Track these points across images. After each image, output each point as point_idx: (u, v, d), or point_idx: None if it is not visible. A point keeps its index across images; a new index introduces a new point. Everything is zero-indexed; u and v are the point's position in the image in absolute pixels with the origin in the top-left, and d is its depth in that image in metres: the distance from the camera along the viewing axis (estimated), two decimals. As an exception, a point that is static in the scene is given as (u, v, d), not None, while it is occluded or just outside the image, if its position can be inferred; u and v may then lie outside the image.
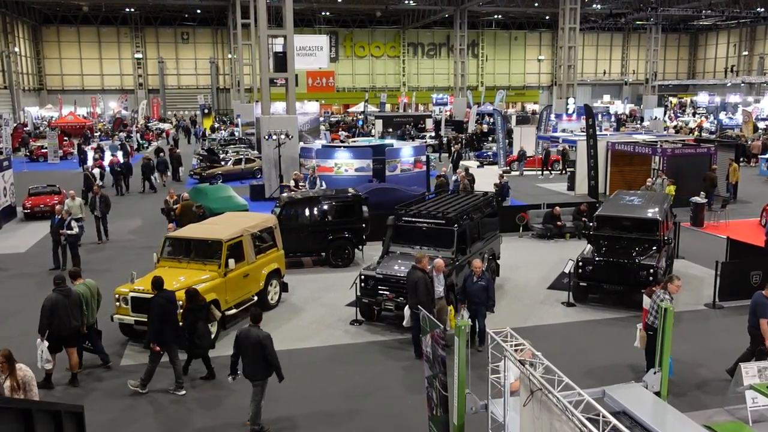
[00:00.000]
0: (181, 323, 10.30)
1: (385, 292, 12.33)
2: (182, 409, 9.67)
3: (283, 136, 25.19)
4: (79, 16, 71.61)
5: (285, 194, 18.65)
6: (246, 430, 8.90)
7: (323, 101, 73.57)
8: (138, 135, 48.52)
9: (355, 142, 33.79)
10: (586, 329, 12.59)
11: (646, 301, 10.03)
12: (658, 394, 7.35)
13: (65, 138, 45.09)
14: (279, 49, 26.48)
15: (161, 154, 32.86)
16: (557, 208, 19.79)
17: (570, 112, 47.55)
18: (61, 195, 23.13)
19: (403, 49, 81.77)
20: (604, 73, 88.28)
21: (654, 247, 13.63)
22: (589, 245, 14.36)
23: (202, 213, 17.15)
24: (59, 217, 16.56)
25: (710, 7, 60.80)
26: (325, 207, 16.89)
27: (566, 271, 13.79)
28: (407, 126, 48.32)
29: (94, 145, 40.31)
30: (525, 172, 32.79)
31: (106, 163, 31.13)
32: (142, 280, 11.71)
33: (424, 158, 27.46)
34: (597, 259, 13.60)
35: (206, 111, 60.74)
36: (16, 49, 64.20)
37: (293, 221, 16.55)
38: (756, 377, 8.77)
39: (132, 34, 75.18)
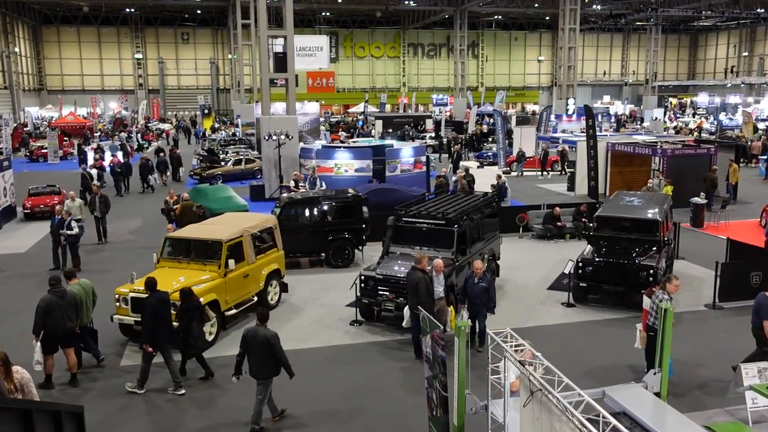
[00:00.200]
0: (176, 323, 10.31)
1: (385, 293, 12.33)
2: (178, 408, 9.67)
3: (283, 137, 25.20)
4: (80, 16, 71.63)
5: (285, 194, 18.65)
6: (274, 426, 8.98)
7: (323, 102, 73.62)
8: (138, 135, 48.53)
9: (355, 142, 33.81)
10: (586, 330, 12.59)
11: (646, 302, 10.03)
12: (658, 394, 7.36)
13: (65, 138, 45.10)
14: (279, 49, 26.48)
15: (161, 154, 32.90)
16: (557, 208, 19.80)
17: (570, 112, 47.57)
18: (61, 195, 23.14)
19: (403, 50, 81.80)
20: (604, 73, 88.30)
21: (654, 248, 13.63)
22: (589, 246, 14.36)
23: (202, 213, 17.16)
24: (59, 217, 16.56)
25: (710, 8, 60.85)
26: (325, 207, 16.88)
27: (566, 271, 13.80)
28: (406, 127, 48.32)
29: (94, 145, 40.32)
30: (524, 173, 32.76)
31: (106, 163, 31.14)
32: (142, 281, 11.69)
33: (423, 159, 27.47)
34: (597, 259, 13.60)
35: (206, 111, 60.77)
36: (16, 50, 64.23)
37: (293, 222, 16.55)
38: (756, 378, 8.77)
39: (132, 35, 75.20)
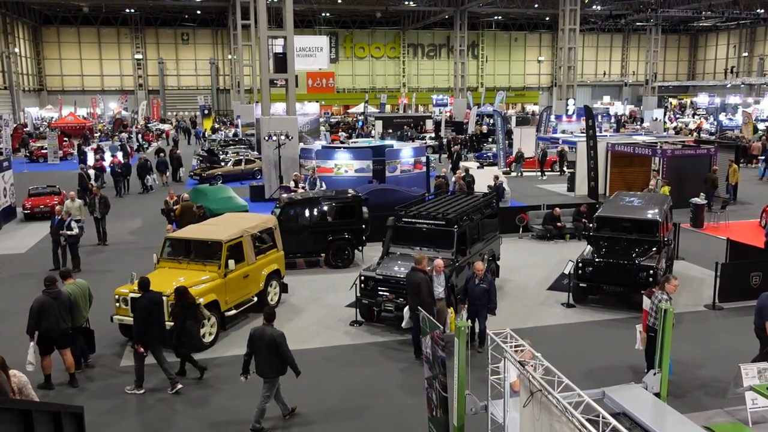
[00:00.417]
0: (172, 322, 10.31)
1: (385, 293, 12.33)
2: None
3: (283, 137, 25.20)
4: (79, 16, 71.68)
5: (285, 195, 18.64)
6: (275, 426, 9.01)
7: (323, 102, 73.63)
8: (138, 136, 48.56)
9: (355, 143, 33.81)
10: (586, 330, 12.58)
11: (646, 303, 10.03)
12: (657, 395, 7.36)
13: (65, 139, 45.13)
14: (279, 49, 26.47)
15: (161, 154, 32.91)
16: (557, 209, 19.80)
17: (570, 113, 47.58)
18: (61, 196, 23.15)
19: (403, 50, 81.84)
20: (604, 74, 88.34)
21: (654, 248, 13.63)
22: (588, 246, 14.36)
23: (202, 214, 17.15)
24: (59, 217, 16.57)
25: (710, 9, 60.86)
26: (325, 208, 16.88)
27: (566, 272, 13.79)
28: (405, 127, 48.34)
29: (94, 145, 40.32)
30: (523, 173, 32.72)
31: (106, 164, 31.14)
32: (142, 281, 11.71)
33: (423, 159, 27.48)
34: (597, 260, 13.60)
35: (206, 112, 60.78)
36: (16, 50, 64.26)
37: (293, 222, 16.55)
38: (756, 378, 8.77)
39: (132, 35, 75.25)
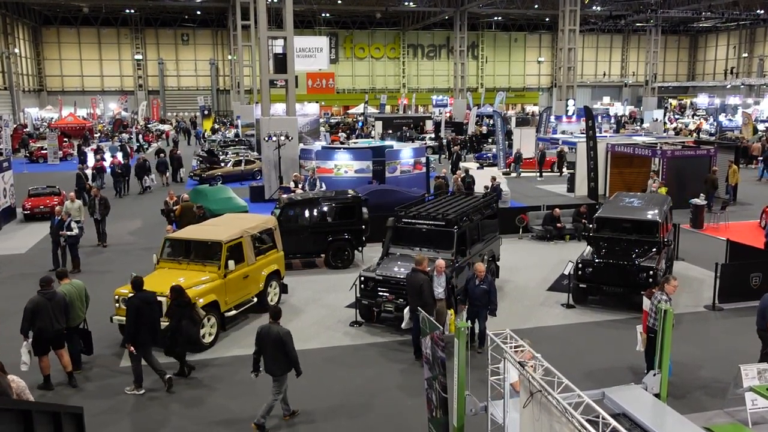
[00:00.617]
0: (168, 321, 10.33)
1: (385, 294, 12.33)
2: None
3: (283, 138, 25.20)
4: (79, 17, 71.68)
5: (285, 196, 18.64)
6: (275, 426, 9.04)
7: (323, 103, 73.66)
8: (139, 136, 48.57)
9: (355, 143, 33.81)
10: (586, 331, 12.58)
11: (646, 303, 10.03)
12: (657, 395, 7.36)
13: (65, 139, 45.12)
14: (279, 50, 26.47)
15: (161, 155, 32.91)
16: (557, 209, 19.80)
17: (570, 113, 47.59)
18: (61, 196, 23.15)
19: (403, 51, 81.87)
20: (604, 74, 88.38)
21: (654, 249, 13.63)
22: (588, 247, 14.36)
23: (202, 214, 17.15)
24: (59, 218, 16.56)
25: (710, 9, 60.90)
26: (325, 208, 16.89)
27: (566, 272, 13.79)
28: (404, 128, 48.35)
29: (94, 146, 40.33)
30: (522, 174, 32.71)
31: (106, 164, 31.13)
32: (142, 282, 11.70)
33: (423, 160, 27.48)
34: (597, 260, 13.60)
35: (206, 112, 60.79)
36: (16, 50, 64.26)
37: (293, 223, 16.55)
38: (756, 379, 8.77)
39: (132, 36, 75.28)
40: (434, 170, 29.36)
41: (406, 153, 27.10)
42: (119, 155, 33.41)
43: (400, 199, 18.51)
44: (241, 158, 33.07)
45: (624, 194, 17.11)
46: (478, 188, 22.25)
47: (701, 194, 21.58)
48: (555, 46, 77.04)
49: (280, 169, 25.44)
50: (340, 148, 28.49)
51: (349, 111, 71.68)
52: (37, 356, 10.02)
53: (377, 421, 9.29)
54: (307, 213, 16.81)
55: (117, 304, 11.65)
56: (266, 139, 25.51)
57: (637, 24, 73.42)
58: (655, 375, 7.59)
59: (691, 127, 53.75)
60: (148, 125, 60.97)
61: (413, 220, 13.38)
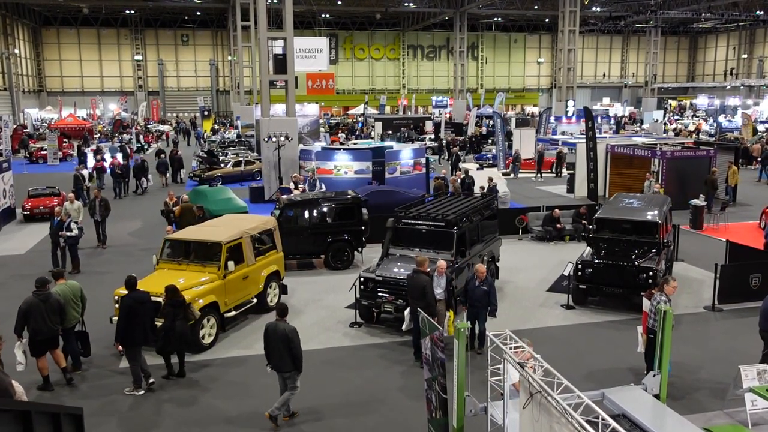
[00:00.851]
0: (162, 320, 10.35)
1: (385, 295, 12.32)
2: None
3: (282, 139, 25.20)
4: (79, 17, 71.69)
5: (285, 196, 18.63)
6: (286, 424, 9.11)
7: (323, 103, 73.66)
8: (139, 137, 48.55)
9: (355, 144, 33.80)
10: (586, 332, 12.58)
11: (646, 304, 10.03)
12: (657, 396, 7.36)
13: (65, 140, 45.09)
14: (279, 51, 26.46)
15: (162, 155, 32.90)
16: (557, 210, 19.80)
17: (569, 114, 47.62)
18: (61, 197, 23.14)
19: (403, 52, 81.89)
20: (604, 75, 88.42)
21: (653, 250, 13.63)
22: (588, 248, 14.36)
23: (202, 215, 17.14)
24: (58, 219, 16.55)
25: (710, 10, 60.94)
26: (325, 209, 16.89)
27: (566, 273, 13.79)
28: (403, 129, 48.35)
29: (94, 147, 40.31)
30: (520, 175, 32.68)
31: (107, 164, 31.10)
32: (142, 283, 11.68)
33: (423, 161, 27.48)
34: (596, 261, 13.60)
35: (206, 113, 60.79)
36: (16, 51, 64.27)
37: (293, 223, 16.54)
38: (755, 380, 8.77)
39: (132, 36, 75.30)
40: (434, 171, 29.36)
41: (405, 154, 27.10)
42: (119, 156, 33.38)
43: (400, 199, 18.50)
44: (241, 159, 33.07)
45: (624, 195, 17.11)
46: (477, 189, 22.26)
47: (701, 195, 21.58)
48: (555, 47, 77.09)
49: (280, 169, 25.44)
50: (339, 149, 28.48)
51: (349, 112, 71.72)
52: (34, 357, 10.01)
53: (377, 422, 9.29)
54: (306, 214, 16.81)
55: (116, 305, 11.61)
56: (266, 139, 25.50)
57: (637, 25, 73.47)
58: (654, 376, 7.59)
59: (691, 128, 53.78)
60: (148, 126, 60.95)
61: (413, 221, 13.38)
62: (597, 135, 27.52)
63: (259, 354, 11.26)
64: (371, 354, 11.57)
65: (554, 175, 32.57)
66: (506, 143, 35.96)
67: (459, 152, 35.26)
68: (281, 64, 26.34)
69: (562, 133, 42.24)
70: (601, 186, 25.57)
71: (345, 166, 25.66)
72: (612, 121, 58.33)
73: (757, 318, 10.03)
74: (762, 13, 61.95)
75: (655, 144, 26.85)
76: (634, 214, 14.56)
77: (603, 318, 13.18)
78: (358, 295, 12.68)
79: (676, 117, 66.70)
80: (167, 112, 75.04)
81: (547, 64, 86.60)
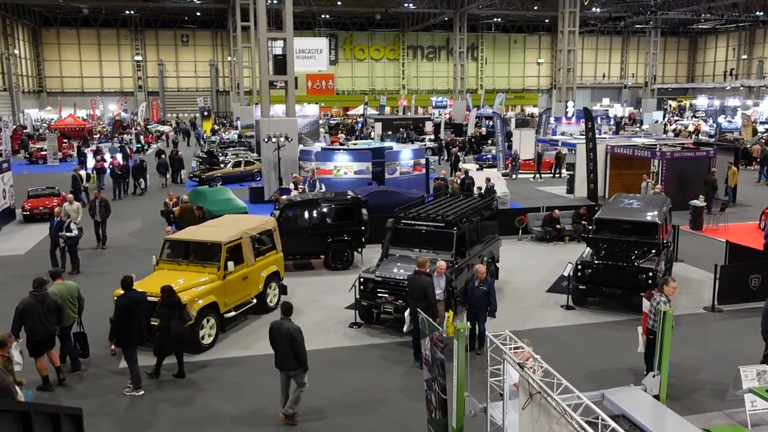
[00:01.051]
0: (158, 321, 10.36)
1: (384, 295, 12.32)
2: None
3: (282, 139, 25.21)
4: (79, 18, 71.69)
5: (284, 197, 18.63)
6: (284, 424, 9.13)
7: (323, 104, 73.68)
8: (140, 137, 48.55)
9: (354, 144, 33.80)
10: (586, 332, 12.58)
11: (646, 305, 10.03)
12: (657, 397, 7.36)
13: (65, 140, 45.08)
14: (279, 51, 26.47)
15: (162, 155, 32.90)
16: (556, 211, 19.80)
17: (569, 115, 47.62)
18: (60, 197, 23.13)
19: (403, 52, 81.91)
20: (604, 76, 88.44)
21: (653, 250, 13.63)
22: (588, 248, 14.36)
23: (202, 215, 17.14)
24: (58, 219, 16.55)
25: (709, 11, 60.95)
26: (325, 210, 16.88)
27: (565, 274, 13.78)
28: (401, 129, 48.33)
29: (93, 147, 40.30)
30: (520, 175, 32.66)
31: (107, 165, 31.09)
32: (141, 283, 11.70)
33: (423, 161, 27.48)
34: (596, 262, 13.60)
35: (206, 113, 60.79)
36: (16, 51, 64.27)
37: (292, 224, 16.54)
38: (755, 381, 8.77)
39: (132, 37, 75.31)
40: (434, 171, 29.36)
41: (405, 154, 27.10)
42: (119, 156, 33.37)
43: (400, 200, 18.50)
44: (241, 159, 33.08)
45: (623, 196, 17.12)
46: (475, 190, 22.24)
47: (701, 196, 21.58)
48: (554, 47, 77.13)
49: (280, 170, 25.45)
50: (339, 150, 28.48)
51: (349, 112, 71.76)
52: (33, 357, 10.01)
53: (377, 423, 9.29)
54: (306, 214, 16.81)
55: (116, 306, 11.64)
56: (266, 140, 25.51)
57: (637, 26, 73.47)
58: (654, 376, 7.59)
59: (690, 128, 53.80)
60: (148, 126, 60.95)
61: (413, 222, 13.38)
62: (597, 136, 27.52)
63: (259, 354, 11.34)
64: (371, 354, 11.57)
65: (552, 175, 32.55)
66: (506, 144, 35.96)
67: (458, 153, 35.25)
68: (281, 64, 26.34)
69: (562, 134, 42.24)
70: (600, 187, 25.58)
71: (345, 167, 25.67)
72: (612, 122, 58.35)
73: (757, 318, 10.05)
74: (762, 13, 61.95)
75: (655, 145, 26.86)
76: (633, 215, 14.56)
77: (603, 319, 13.18)
78: (357, 296, 12.68)
79: (675, 118, 66.70)
80: (167, 113, 75.03)
81: (546, 65, 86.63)
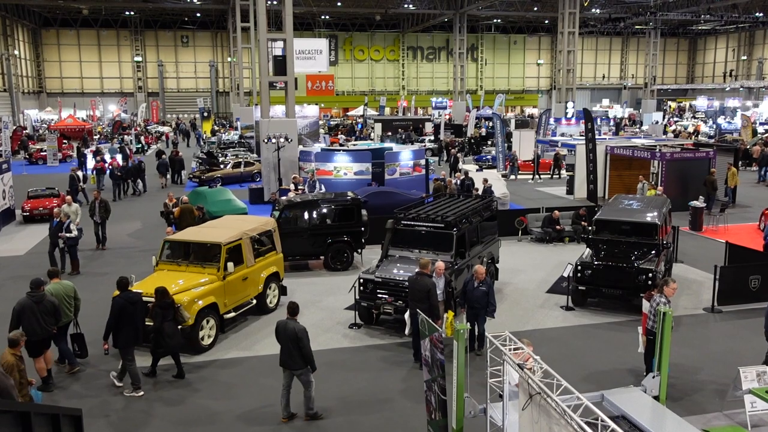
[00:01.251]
0: (152, 322, 10.37)
1: (384, 296, 12.32)
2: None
3: (282, 140, 25.21)
4: (79, 19, 71.71)
5: (284, 198, 18.64)
6: (284, 425, 9.12)
7: (323, 105, 73.66)
8: (140, 138, 48.54)
9: (354, 145, 33.79)
10: (585, 333, 12.58)
11: (646, 306, 10.03)
12: (657, 398, 7.36)
13: (64, 141, 45.08)
14: (278, 52, 26.46)
15: (162, 156, 32.91)
16: (556, 211, 19.81)
17: (569, 116, 47.59)
18: (60, 198, 23.12)
19: (403, 53, 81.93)
20: (603, 77, 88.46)
21: (653, 251, 13.63)
22: (588, 249, 14.37)
23: (201, 216, 17.14)
24: (57, 220, 16.54)
25: (709, 12, 61.00)
26: (324, 210, 16.89)
27: (565, 275, 13.78)
28: (400, 130, 48.34)
29: (93, 148, 40.29)
30: (519, 176, 32.64)
31: (107, 165, 31.08)
32: (141, 284, 11.71)
33: (422, 162, 27.48)
34: (596, 263, 13.60)
35: (206, 114, 60.78)
36: (16, 52, 64.27)
37: (292, 225, 16.54)
38: (755, 381, 8.77)
39: (132, 37, 75.30)
40: (433, 172, 29.36)
41: (405, 155, 27.10)
42: (118, 157, 33.37)
43: (400, 201, 18.51)
44: (241, 160, 33.08)
45: (623, 196, 17.12)
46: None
47: (700, 196, 21.59)
48: (554, 48, 77.17)
49: (280, 171, 25.45)
50: (339, 150, 28.49)
51: (349, 113, 71.77)
52: (31, 358, 10.01)
53: (376, 423, 9.28)
54: (306, 215, 16.81)
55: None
56: (266, 141, 25.51)
57: (637, 26, 73.50)
58: (654, 377, 7.59)
59: (690, 129, 53.81)
60: (147, 127, 60.94)
61: (412, 222, 13.39)
62: (596, 136, 27.52)
63: (258, 355, 11.35)
64: (371, 355, 11.57)
65: (549, 177, 32.55)
66: (506, 145, 35.97)
67: (458, 154, 35.25)
68: (281, 65, 26.34)
69: (562, 135, 42.21)
70: (600, 187, 25.59)
71: (344, 168, 25.66)
72: (611, 123, 58.34)
73: (757, 319, 10.07)
74: (761, 14, 62.02)
75: (655, 145, 26.86)
76: (633, 216, 14.56)
77: (602, 319, 13.18)
78: (357, 297, 12.68)
79: (675, 119, 66.72)
80: (167, 114, 75.01)
81: (546, 66, 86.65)
